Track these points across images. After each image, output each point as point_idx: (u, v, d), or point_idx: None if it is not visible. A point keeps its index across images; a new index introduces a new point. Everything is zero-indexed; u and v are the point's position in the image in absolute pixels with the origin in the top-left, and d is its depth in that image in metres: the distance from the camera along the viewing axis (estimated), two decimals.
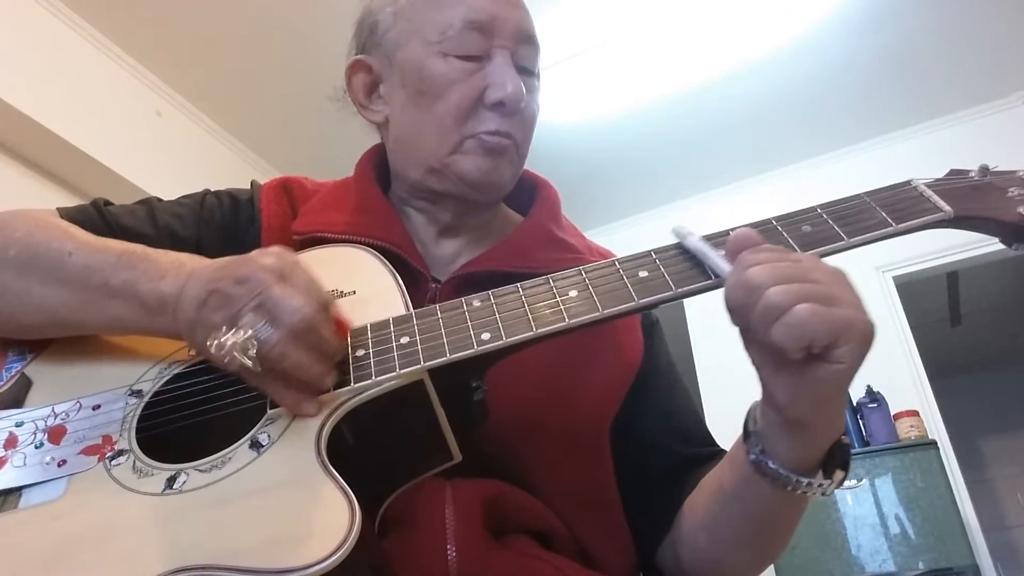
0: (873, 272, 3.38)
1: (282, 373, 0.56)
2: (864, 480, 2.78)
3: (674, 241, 0.64)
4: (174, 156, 3.07)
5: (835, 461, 0.61)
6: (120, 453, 0.60)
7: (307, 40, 2.83)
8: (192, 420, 0.62)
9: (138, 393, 0.65)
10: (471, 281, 0.75)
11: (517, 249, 0.81)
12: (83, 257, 0.67)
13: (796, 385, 0.55)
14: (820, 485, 0.60)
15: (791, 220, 0.64)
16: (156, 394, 0.65)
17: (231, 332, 0.54)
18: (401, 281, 0.68)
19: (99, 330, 0.69)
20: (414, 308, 0.64)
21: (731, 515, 0.69)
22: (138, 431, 0.62)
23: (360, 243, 0.75)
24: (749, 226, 0.61)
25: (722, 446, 0.81)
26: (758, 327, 0.53)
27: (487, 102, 0.78)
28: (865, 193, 0.65)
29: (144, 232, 0.78)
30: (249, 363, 0.53)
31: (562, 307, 0.61)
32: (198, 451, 0.58)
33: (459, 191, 0.81)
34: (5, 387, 0.68)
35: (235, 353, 0.53)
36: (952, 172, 0.68)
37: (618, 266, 0.63)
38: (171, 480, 0.56)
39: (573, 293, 0.62)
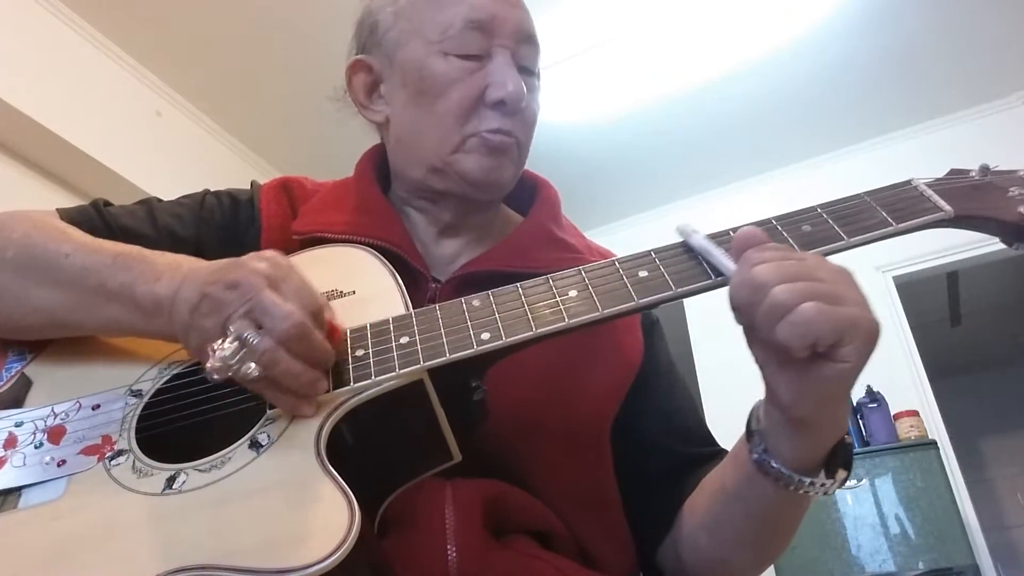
0: (873, 272, 3.38)
1: (274, 379, 0.56)
2: (864, 480, 2.78)
3: (677, 240, 0.64)
4: (174, 156, 3.07)
5: (837, 460, 0.60)
6: (120, 453, 0.60)
7: (307, 40, 2.83)
8: (192, 420, 0.62)
9: (138, 393, 0.65)
10: (471, 281, 0.75)
11: (517, 249, 0.81)
12: (80, 258, 0.66)
13: (800, 384, 0.54)
14: (823, 485, 0.60)
15: (791, 220, 0.64)
16: (156, 394, 0.65)
17: (220, 342, 0.54)
18: (401, 281, 0.68)
19: (97, 331, 0.69)
20: (414, 308, 0.64)
21: (733, 515, 0.69)
22: (138, 431, 0.62)
23: (360, 243, 0.75)
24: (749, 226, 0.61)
25: (723, 446, 0.81)
26: (763, 325, 0.52)
27: (488, 101, 0.78)
28: (865, 193, 0.65)
29: (144, 232, 0.78)
30: (239, 374, 0.53)
31: (562, 307, 0.61)
32: (198, 451, 0.58)
33: (461, 190, 0.81)
34: (5, 387, 0.68)
35: (228, 363, 0.53)
36: (952, 172, 0.68)
37: (618, 266, 0.63)
38: (171, 480, 0.56)
39: (573, 293, 0.62)
